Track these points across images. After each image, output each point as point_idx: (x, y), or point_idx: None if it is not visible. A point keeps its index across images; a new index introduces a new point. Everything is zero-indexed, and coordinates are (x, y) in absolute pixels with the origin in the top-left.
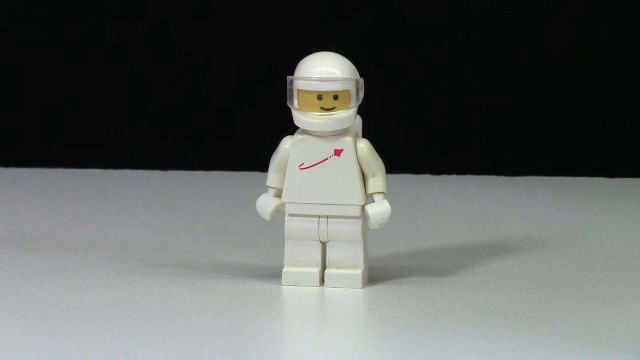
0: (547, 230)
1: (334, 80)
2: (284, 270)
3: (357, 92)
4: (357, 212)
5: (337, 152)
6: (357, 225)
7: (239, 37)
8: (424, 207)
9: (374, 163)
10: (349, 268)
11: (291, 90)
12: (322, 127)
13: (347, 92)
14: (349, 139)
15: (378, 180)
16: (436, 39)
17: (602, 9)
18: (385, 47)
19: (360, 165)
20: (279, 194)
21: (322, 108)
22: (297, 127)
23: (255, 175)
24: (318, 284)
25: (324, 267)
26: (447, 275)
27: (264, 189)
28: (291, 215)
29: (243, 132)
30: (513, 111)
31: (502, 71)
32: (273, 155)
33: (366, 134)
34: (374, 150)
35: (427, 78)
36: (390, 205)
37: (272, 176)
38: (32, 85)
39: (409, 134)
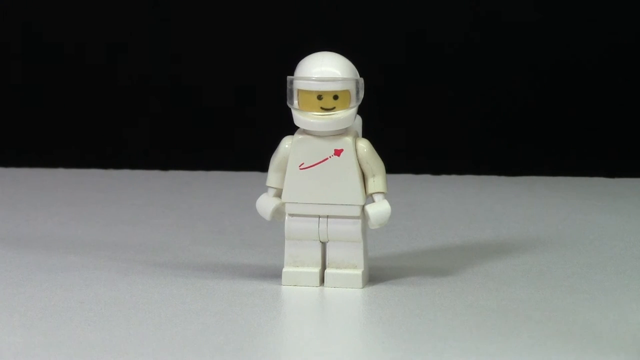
0: (547, 230)
1: (334, 80)
2: (284, 270)
3: (357, 92)
4: (357, 212)
5: (337, 152)
6: (357, 225)
7: (239, 37)
8: (424, 207)
9: (374, 163)
10: (349, 268)
11: (291, 90)
12: (322, 127)
13: (347, 92)
14: (349, 139)
15: (378, 180)
16: (437, 40)
17: (601, 10)
18: (385, 47)
19: (360, 165)
20: (279, 194)
21: (322, 108)
22: (297, 127)
23: (255, 175)
24: (318, 284)
25: (324, 267)
26: (447, 275)
27: (264, 189)
28: (291, 215)
29: (243, 132)
30: (513, 111)
31: (503, 71)
32: (273, 155)
33: (366, 134)
34: (374, 150)
35: (427, 78)
36: (390, 205)
37: (272, 176)
38: (32, 86)
39: (408, 134)
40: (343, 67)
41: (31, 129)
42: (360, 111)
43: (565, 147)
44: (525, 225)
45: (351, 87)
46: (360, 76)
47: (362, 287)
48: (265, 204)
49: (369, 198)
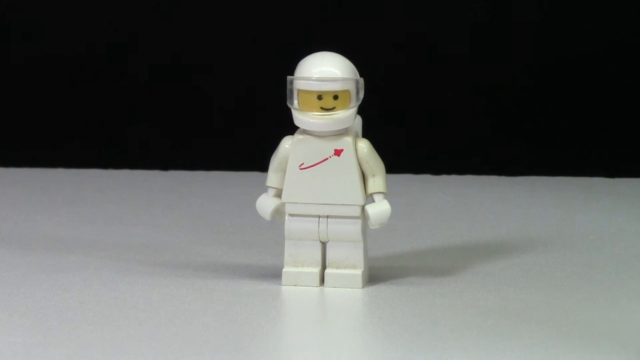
0: (547, 230)
1: (334, 80)
2: (284, 270)
3: (357, 92)
4: (357, 212)
5: (337, 152)
6: (357, 225)
7: (239, 37)
8: (424, 207)
9: (374, 163)
10: (349, 268)
11: (291, 90)
12: (322, 127)
13: (347, 92)
14: (349, 139)
15: (378, 180)
16: (437, 40)
17: (601, 10)
18: (385, 47)
19: (360, 165)
20: (279, 194)
21: (322, 108)
22: (297, 127)
23: (255, 175)
24: (318, 284)
25: (324, 267)
26: (447, 275)
27: (264, 189)
28: (291, 215)
29: (243, 132)
30: (513, 111)
31: (502, 71)
32: (273, 155)
33: (366, 134)
34: (374, 150)
35: (427, 78)
36: (390, 205)
37: (272, 176)
38: (32, 85)
39: (409, 133)
40: (343, 67)
41: (31, 128)
42: (360, 111)
43: (565, 147)
44: (525, 225)
45: (351, 87)
46: (360, 76)
47: (362, 287)
48: (265, 204)
49: (369, 198)
